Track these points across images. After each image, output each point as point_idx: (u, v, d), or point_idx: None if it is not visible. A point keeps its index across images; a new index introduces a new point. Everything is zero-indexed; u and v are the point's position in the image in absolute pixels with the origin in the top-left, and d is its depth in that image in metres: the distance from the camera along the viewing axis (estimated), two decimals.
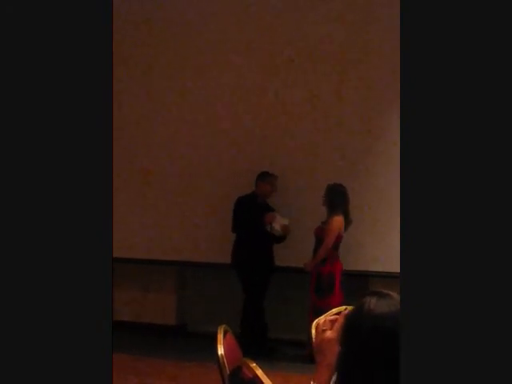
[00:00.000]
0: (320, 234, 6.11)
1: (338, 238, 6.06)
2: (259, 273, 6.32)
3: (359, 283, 6.14)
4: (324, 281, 6.00)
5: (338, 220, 6.02)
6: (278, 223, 6.25)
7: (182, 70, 7.07)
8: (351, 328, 1.70)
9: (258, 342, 5.97)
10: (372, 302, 1.67)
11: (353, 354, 1.66)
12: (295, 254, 6.57)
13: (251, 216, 6.27)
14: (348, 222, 6.11)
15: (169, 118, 7.13)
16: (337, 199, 6.04)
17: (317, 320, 1.95)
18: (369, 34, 6.44)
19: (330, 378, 1.80)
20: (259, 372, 2.27)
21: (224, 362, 2.70)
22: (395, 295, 1.70)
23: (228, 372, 2.63)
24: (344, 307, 1.92)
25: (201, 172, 6.97)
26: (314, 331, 2.74)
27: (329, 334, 1.86)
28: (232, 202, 6.56)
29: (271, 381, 2.33)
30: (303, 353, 5.62)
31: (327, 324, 1.89)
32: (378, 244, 6.37)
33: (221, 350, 2.71)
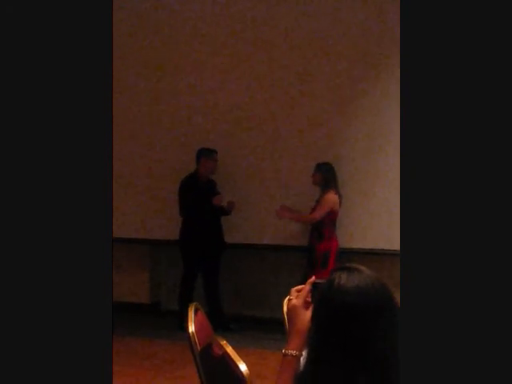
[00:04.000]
0: None
1: (334, 215, 6.09)
2: (211, 251, 6.46)
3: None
4: (319, 257, 6.00)
5: (331, 195, 6.06)
6: (225, 202, 6.46)
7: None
8: (321, 303, 1.68)
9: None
10: (342, 277, 1.66)
11: (322, 328, 1.65)
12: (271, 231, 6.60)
13: (198, 197, 6.36)
14: (340, 197, 6.14)
15: (135, 97, 7.08)
16: (329, 176, 6.11)
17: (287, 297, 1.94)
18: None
19: (302, 345, 1.79)
20: (229, 349, 2.25)
21: (195, 340, 2.67)
22: (365, 270, 1.68)
23: (199, 350, 2.61)
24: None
25: (171, 150, 6.92)
26: (285, 307, 2.74)
27: (294, 301, 1.85)
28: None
29: (247, 358, 2.32)
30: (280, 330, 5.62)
31: (293, 293, 1.88)
32: (355, 221, 6.40)
33: (191, 328, 2.69)
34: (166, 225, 6.80)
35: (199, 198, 6.36)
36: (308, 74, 6.52)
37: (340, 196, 6.14)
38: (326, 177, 6.12)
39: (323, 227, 6.08)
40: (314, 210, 6.16)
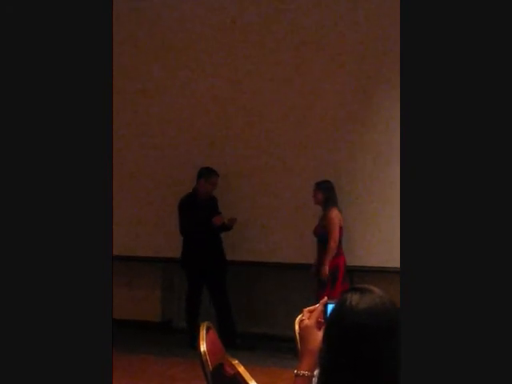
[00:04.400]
0: (320, 232, 6.11)
1: (341, 230, 6.08)
2: (212, 268, 6.48)
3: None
4: (328, 274, 5.95)
5: (335, 213, 6.05)
6: (225, 219, 6.49)
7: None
8: (332, 323, 1.69)
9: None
10: (354, 298, 1.66)
11: (333, 349, 1.65)
12: (277, 248, 6.60)
13: (198, 216, 6.40)
14: (341, 212, 6.14)
15: (139, 116, 7.15)
16: (330, 194, 6.12)
17: (299, 316, 1.95)
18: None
19: (314, 365, 1.79)
20: (241, 369, 2.26)
21: (207, 359, 2.68)
22: (377, 290, 1.69)
23: (210, 369, 2.61)
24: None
25: (183, 169, 6.95)
26: (297, 327, 2.74)
27: (307, 321, 1.86)
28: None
29: (258, 377, 2.32)
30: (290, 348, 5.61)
31: (306, 314, 1.89)
32: (360, 239, 6.39)
33: (203, 347, 2.69)
34: (177, 243, 6.81)
35: (199, 216, 6.39)
36: (312, 93, 6.56)
37: (341, 212, 6.13)
38: (327, 195, 6.12)
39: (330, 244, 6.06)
40: (318, 228, 6.15)
